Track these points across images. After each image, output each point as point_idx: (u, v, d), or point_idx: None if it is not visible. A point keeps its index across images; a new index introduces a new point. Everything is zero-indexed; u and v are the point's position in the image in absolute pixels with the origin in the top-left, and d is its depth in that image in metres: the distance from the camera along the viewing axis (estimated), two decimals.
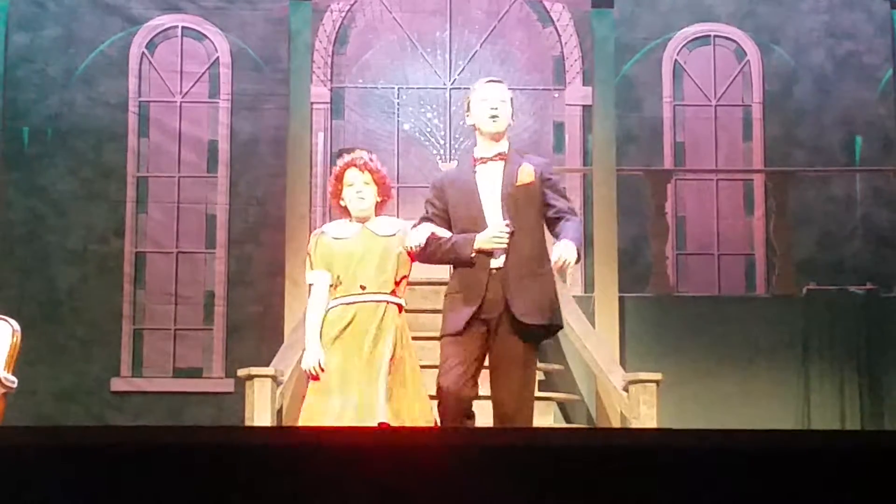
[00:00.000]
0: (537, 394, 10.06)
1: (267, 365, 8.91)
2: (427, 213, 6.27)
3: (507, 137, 6.31)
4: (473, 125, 6.32)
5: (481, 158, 6.24)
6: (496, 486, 3.21)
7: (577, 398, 10.62)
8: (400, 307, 6.38)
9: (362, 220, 6.44)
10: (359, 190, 6.40)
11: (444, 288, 6.36)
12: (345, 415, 6.09)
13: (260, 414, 8.74)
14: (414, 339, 9.05)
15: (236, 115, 12.93)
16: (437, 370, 8.83)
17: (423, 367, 8.91)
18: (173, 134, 12.93)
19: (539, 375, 10.40)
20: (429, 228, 6.16)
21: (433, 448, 3.35)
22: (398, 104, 13.14)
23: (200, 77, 13.04)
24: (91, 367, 12.40)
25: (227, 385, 12.07)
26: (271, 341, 10.60)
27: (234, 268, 12.67)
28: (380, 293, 6.30)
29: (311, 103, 11.53)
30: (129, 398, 12.41)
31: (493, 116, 6.20)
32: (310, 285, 6.49)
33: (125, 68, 12.92)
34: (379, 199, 6.47)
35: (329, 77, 13.04)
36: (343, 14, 13.13)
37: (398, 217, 6.86)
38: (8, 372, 7.25)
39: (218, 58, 13.03)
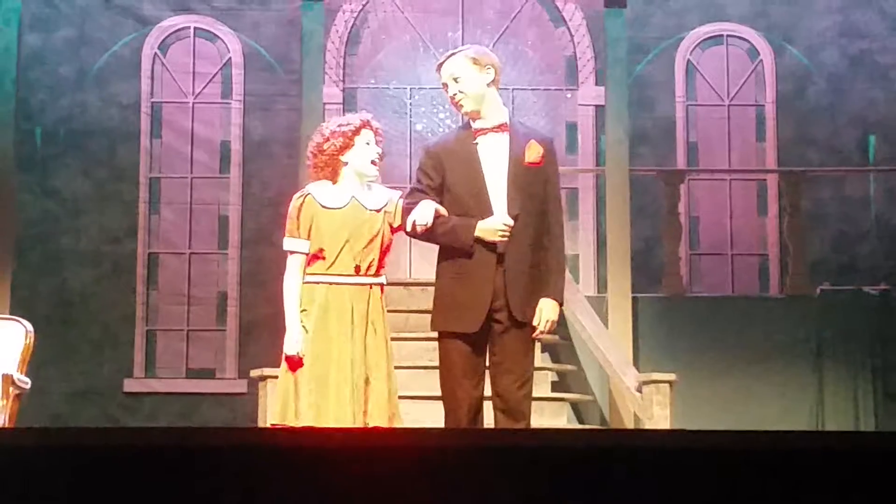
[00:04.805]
0: (551, 394, 10.11)
1: (279, 366, 8.87)
2: (420, 184, 5.76)
3: (504, 103, 5.89)
4: None
5: (481, 129, 5.76)
6: (508, 487, 3.20)
7: (590, 399, 10.61)
8: (382, 287, 6.05)
9: (353, 186, 6.05)
10: (378, 152, 6.08)
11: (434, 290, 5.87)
12: (338, 410, 5.82)
13: (275, 403, 8.73)
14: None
15: (249, 116, 12.93)
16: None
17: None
18: (186, 135, 12.94)
19: (552, 376, 10.41)
20: (432, 206, 5.62)
21: (445, 450, 3.34)
22: (410, 104, 13.13)
23: (213, 78, 13.05)
24: (104, 367, 12.41)
25: (240, 386, 12.07)
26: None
27: (247, 268, 12.66)
28: (366, 276, 5.96)
29: (324, 104, 11.54)
30: (142, 399, 12.42)
31: (457, 103, 5.79)
32: (290, 253, 6.04)
33: (137, 69, 12.93)
34: None
35: (341, 77, 13.04)
36: (355, 14, 13.13)
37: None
38: (21, 373, 7.26)
39: (230, 58, 13.04)
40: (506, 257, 5.64)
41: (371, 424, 5.84)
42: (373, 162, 6.07)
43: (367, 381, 5.91)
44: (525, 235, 5.67)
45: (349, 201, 6.04)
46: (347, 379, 5.87)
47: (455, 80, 5.79)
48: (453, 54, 5.90)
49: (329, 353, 5.91)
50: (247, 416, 10.90)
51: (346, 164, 6.08)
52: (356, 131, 6.07)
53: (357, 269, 5.95)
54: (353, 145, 6.06)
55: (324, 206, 6.02)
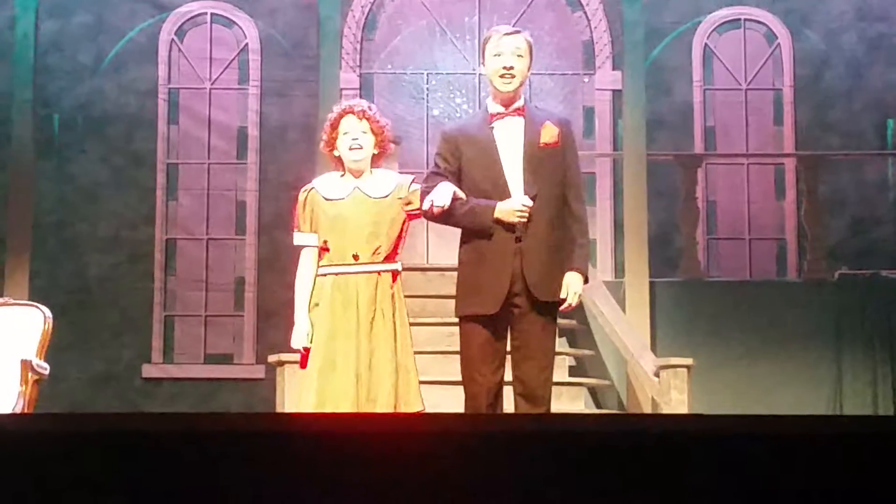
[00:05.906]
0: (568, 379, 10.11)
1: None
2: (438, 168, 5.81)
3: (522, 91, 5.91)
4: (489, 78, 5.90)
5: (498, 113, 5.82)
6: (526, 472, 3.21)
7: (607, 383, 10.61)
8: (395, 274, 6.01)
9: (356, 174, 6.06)
10: (355, 137, 6.03)
11: (453, 275, 5.91)
12: (343, 399, 5.80)
13: (290, 400, 8.75)
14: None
15: (265, 102, 12.94)
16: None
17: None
18: (203, 121, 12.96)
19: (570, 361, 10.42)
20: (450, 188, 5.68)
21: (463, 435, 3.34)
22: (427, 90, 13.12)
23: (230, 64, 13.06)
24: (122, 353, 12.45)
25: (258, 371, 12.10)
26: None
27: (265, 254, 12.69)
28: (372, 263, 5.94)
29: (341, 89, 11.52)
30: (161, 384, 12.46)
31: (506, 76, 5.78)
32: (299, 248, 6.09)
33: (155, 55, 12.95)
34: (376, 151, 6.09)
35: (358, 63, 13.04)
36: (372, 0, 13.13)
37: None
38: (40, 359, 7.28)
39: (247, 44, 13.04)
40: (524, 238, 5.67)
41: (377, 410, 5.83)
42: (351, 148, 6.06)
43: (370, 367, 5.89)
44: (543, 216, 5.70)
45: (351, 191, 6.05)
46: (352, 367, 5.86)
47: (519, 55, 5.82)
48: (519, 31, 5.97)
49: (334, 342, 5.90)
50: (265, 401, 10.92)
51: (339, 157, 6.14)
52: (334, 125, 6.11)
53: (355, 256, 5.95)
54: (336, 137, 6.09)
55: (326, 199, 6.06)
